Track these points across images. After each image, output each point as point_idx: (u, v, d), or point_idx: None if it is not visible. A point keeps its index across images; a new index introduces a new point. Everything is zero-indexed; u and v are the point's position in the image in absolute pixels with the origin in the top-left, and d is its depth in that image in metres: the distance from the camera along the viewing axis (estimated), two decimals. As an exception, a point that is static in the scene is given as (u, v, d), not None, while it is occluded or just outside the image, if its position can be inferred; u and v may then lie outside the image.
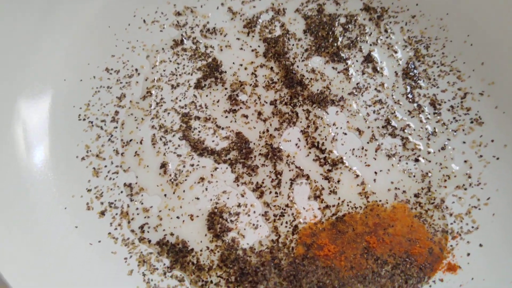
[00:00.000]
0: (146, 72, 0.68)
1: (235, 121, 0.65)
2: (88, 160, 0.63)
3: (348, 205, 0.61)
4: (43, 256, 0.55)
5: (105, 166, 0.63)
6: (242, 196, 0.61)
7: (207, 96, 0.67)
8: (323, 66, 0.68)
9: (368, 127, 0.65)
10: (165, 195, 0.61)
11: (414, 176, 0.62)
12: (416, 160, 0.63)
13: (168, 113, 0.66)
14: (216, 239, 0.59)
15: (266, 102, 0.66)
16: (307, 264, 0.57)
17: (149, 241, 0.59)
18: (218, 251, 0.58)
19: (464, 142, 0.64)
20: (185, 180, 0.62)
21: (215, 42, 0.70)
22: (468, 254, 0.57)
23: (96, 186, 0.62)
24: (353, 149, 0.64)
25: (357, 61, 0.69)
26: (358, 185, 0.62)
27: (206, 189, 0.62)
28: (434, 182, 0.62)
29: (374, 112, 0.66)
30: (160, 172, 0.63)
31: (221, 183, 0.62)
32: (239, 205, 0.61)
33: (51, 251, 0.56)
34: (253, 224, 0.60)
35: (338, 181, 0.62)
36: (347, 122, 0.66)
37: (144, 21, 0.70)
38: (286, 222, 0.60)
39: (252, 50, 0.69)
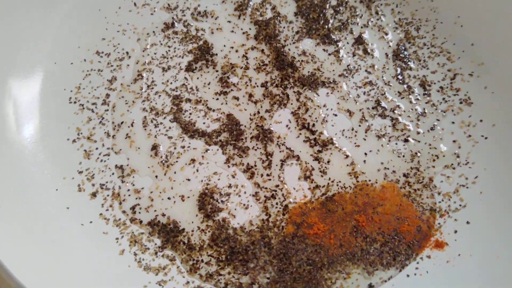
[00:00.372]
0: (137, 55, 0.68)
1: (226, 103, 0.66)
2: (79, 143, 0.63)
3: (338, 185, 0.61)
4: (34, 237, 0.55)
5: (96, 149, 0.63)
6: (233, 177, 0.62)
7: (198, 78, 0.67)
8: (314, 48, 0.69)
9: (360, 109, 0.66)
10: (156, 176, 0.62)
11: (404, 156, 0.63)
12: (406, 141, 0.64)
13: (159, 96, 0.66)
14: (207, 219, 0.59)
15: (257, 84, 0.67)
16: (297, 242, 0.57)
17: (141, 222, 0.60)
18: (209, 231, 0.59)
19: (453, 123, 0.64)
20: (176, 161, 0.62)
21: (206, 25, 0.70)
22: (456, 232, 0.58)
23: (87, 168, 0.62)
24: (343, 130, 0.64)
25: (348, 43, 0.69)
26: (348, 165, 0.62)
27: (197, 170, 0.62)
28: (423, 162, 0.62)
29: (364, 93, 0.66)
30: (151, 154, 0.63)
31: (212, 165, 0.62)
32: (230, 186, 0.61)
33: (43, 232, 0.56)
34: (244, 205, 0.60)
35: (328, 162, 0.62)
36: (338, 103, 0.66)
37: (135, 4, 0.70)
38: (277, 203, 0.60)
39: (243, 33, 0.69)
